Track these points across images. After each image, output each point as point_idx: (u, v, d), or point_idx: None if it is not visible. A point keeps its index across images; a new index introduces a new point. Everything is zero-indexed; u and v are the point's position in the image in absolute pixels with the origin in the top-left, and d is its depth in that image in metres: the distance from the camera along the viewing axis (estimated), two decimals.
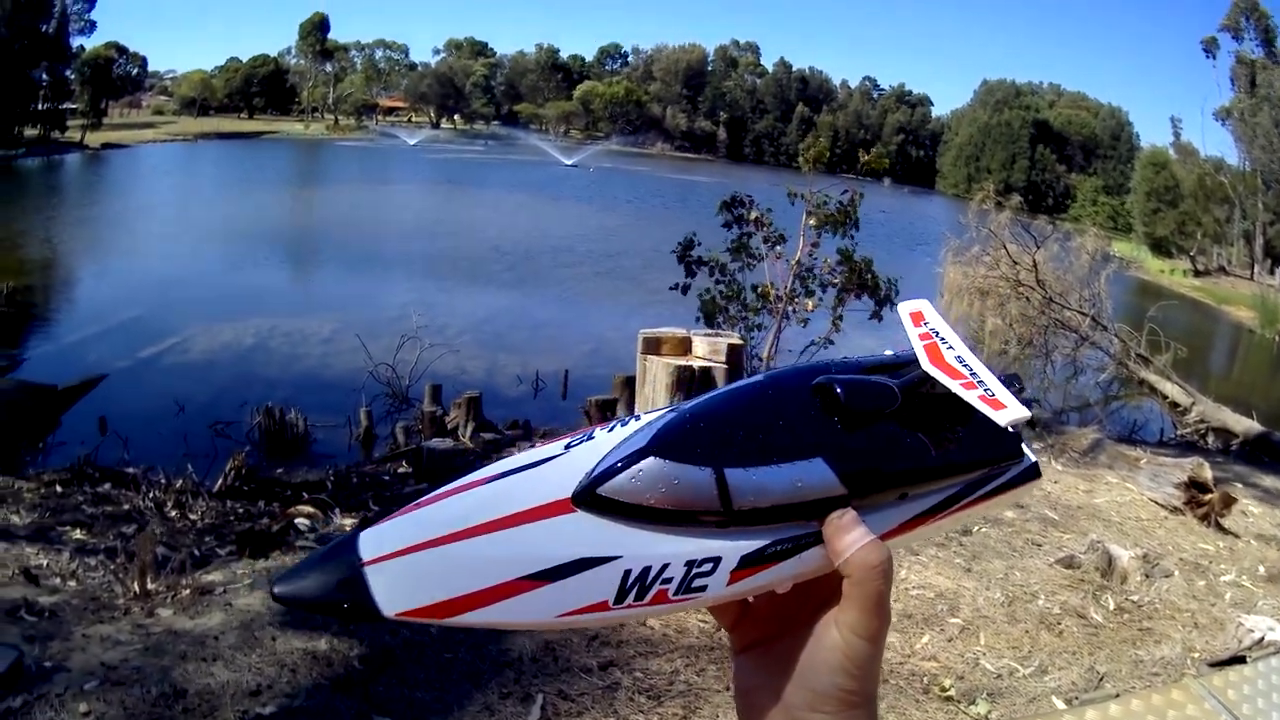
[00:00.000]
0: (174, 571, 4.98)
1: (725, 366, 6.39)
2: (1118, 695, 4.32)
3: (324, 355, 16.43)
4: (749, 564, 0.80)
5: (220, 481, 7.94)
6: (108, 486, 7.55)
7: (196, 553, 5.77)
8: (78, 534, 6.03)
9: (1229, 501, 7.97)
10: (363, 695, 4.04)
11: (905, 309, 1.01)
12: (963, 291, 17.56)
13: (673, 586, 0.79)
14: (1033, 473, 0.91)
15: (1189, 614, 6.00)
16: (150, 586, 4.79)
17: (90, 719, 3.67)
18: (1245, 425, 13.75)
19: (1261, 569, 7.03)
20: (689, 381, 6.29)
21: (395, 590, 0.77)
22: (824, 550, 0.81)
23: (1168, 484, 8.22)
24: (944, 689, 4.63)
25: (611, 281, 26.78)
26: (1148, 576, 6.44)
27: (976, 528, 6.80)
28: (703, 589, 0.80)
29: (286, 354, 16.59)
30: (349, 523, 6.77)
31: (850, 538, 0.80)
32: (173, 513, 6.80)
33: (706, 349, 6.53)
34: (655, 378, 6.35)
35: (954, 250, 18.48)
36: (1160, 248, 65.05)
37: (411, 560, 0.78)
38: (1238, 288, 52.10)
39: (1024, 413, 0.82)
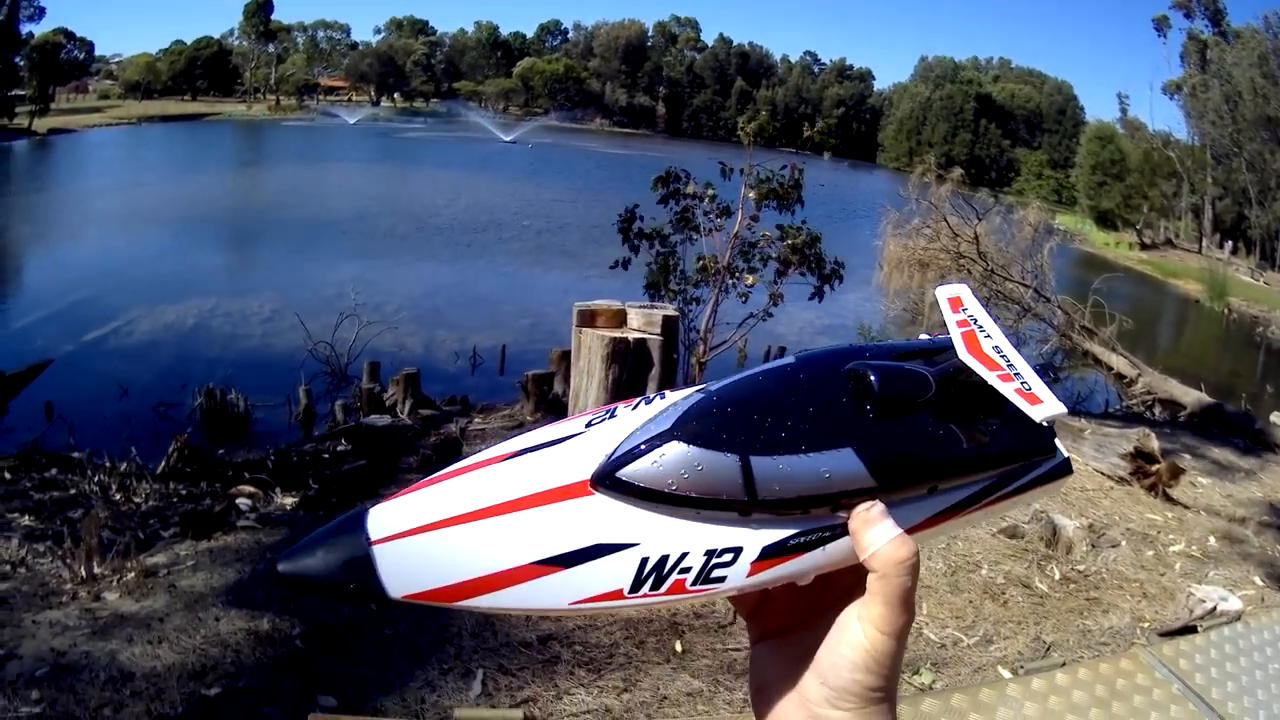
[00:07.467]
0: (119, 555, 5.08)
1: (661, 339, 6.32)
2: (1064, 664, 4.29)
3: (264, 335, 16.72)
4: (771, 555, 0.77)
5: (163, 463, 8.03)
6: (54, 471, 7.62)
7: (141, 535, 5.87)
8: (26, 520, 6.09)
9: (1176, 472, 7.92)
10: (305, 674, 4.13)
11: (943, 293, 0.99)
12: (902, 264, 17.67)
13: (690, 576, 0.76)
14: (1064, 469, 0.87)
15: (1138, 584, 6.01)
16: (96, 570, 4.90)
17: (43, 706, 3.75)
18: (1194, 397, 13.76)
19: (1212, 540, 7.02)
20: (624, 354, 6.21)
21: (403, 572, 0.76)
22: (849, 543, 0.78)
23: (1113, 454, 8.16)
24: None
25: (549, 256, 27.22)
26: (1094, 546, 6.43)
27: None
28: (721, 579, 0.77)
29: (227, 334, 16.85)
30: (289, 502, 6.96)
31: (877, 531, 0.77)
32: (117, 496, 6.88)
33: (641, 321, 6.44)
34: (590, 350, 6.26)
35: (894, 223, 18.58)
36: (1105, 221, 66.19)
37: (421, 541, 0.76)
38: (1185, 261, 53.07)
39: (1060, 408, 0.79)
